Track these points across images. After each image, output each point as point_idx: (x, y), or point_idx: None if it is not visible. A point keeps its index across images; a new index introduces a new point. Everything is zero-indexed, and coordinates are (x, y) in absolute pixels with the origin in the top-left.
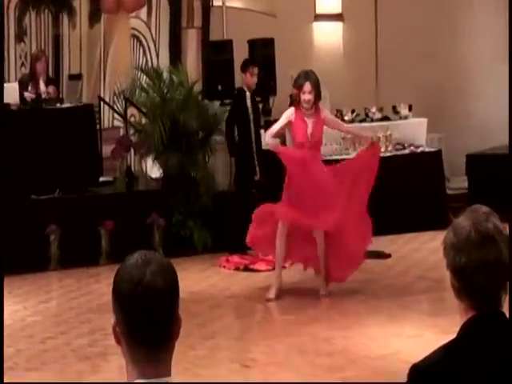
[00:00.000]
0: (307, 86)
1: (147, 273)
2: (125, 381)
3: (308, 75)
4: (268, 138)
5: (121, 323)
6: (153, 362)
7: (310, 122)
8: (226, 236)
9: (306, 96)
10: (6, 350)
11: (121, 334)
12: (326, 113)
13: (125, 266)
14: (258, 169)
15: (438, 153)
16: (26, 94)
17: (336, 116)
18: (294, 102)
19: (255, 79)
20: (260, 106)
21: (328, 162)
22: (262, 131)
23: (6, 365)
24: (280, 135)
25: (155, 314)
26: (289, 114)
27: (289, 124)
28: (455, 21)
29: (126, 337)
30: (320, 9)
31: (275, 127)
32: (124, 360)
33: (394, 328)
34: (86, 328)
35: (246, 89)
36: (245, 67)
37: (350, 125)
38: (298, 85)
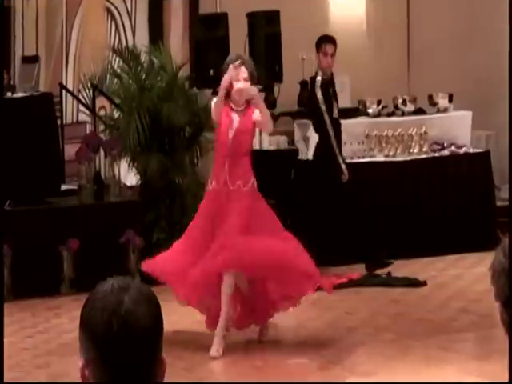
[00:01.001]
0: (243, 72)
1: (125, 300)
2: None
3: (243, 58)
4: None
5: (92, 364)
6: None
7: (235, 120)
8: None
9: (241, 84)
10: None
11: (92, 377)
12: (258, 115)
13: (96, 294)
14: (344, 166)
15: (486, 154)
16: None
17: (358, 108)
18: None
19: (329, 60)
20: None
21: (351, 167)
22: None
23: None
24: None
25: (136, 351)
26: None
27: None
28: None
29: (99, 378)
30: None
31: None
32: None
33: (431, 374)
34: (44, 374)
35: (319, 73)
36: (317, 44)
37: (375, 119)
38: (229, 67)
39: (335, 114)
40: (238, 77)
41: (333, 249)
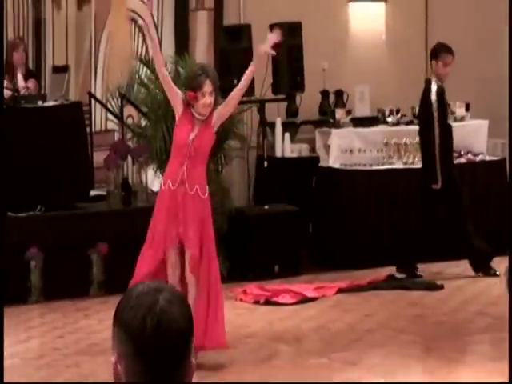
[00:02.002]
0: (208, 86)
1: (160, 300)
2: None
3: (207, 71)
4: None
5: (125, 359)
6: None
7: (196, 126)
8: (245, 263)
9: (207, 99)
10: None
11: (124, 373)
12: (216, 115)
13: (132, 293)
14: (439, 174)
15: (502, 162)
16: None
17: (377, 117)
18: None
19: (448, 70)
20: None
21: (370, 174)
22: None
23: None
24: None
25: (169, 348)
26: (180, 106)
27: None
28: None
29: (131, 373)
30: None
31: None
32: None
33: (448, 374)
34: (73, 373)
35: (434, 80)
36: (438, 53)
37: (393, 128)
38: (195, 85)
39: (450, 120)
40: (202, 91)
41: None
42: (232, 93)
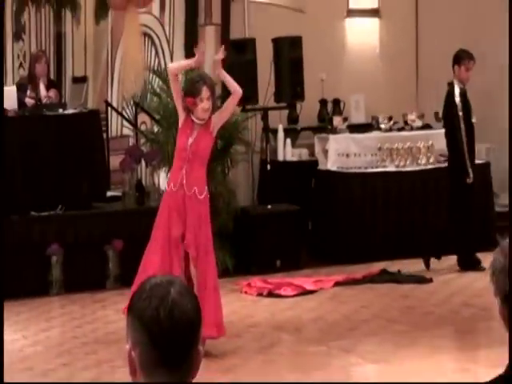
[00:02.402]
0: (205, 92)
1: (172, 292)
2: None
3: (204, 78)
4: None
5: (139, 347)
6: None
7: (195, 133)
8: (249, 258)
9: (204, 104)
10: None
11: (138, 359)
12: (215, 119)
13: (146, 285)
14: (470, 170)
15: (486, 165)
16: (26, 99)
17: (372, 124)
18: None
19: (469, 74)
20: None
21: (365, 176)
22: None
23: None
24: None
25: (180, 336)
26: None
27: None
28: (503, 15)
29: (145, 360)
30: (353, 3)
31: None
32: None
33: (436, 361)
34: (91, 360)
35: (456, 83)
36: (460, 59)
37: (386, 133)
38: (193, 91)
39: (473, 119)
40: (200, 96)
41: (351, 247)
42: (228, 99)
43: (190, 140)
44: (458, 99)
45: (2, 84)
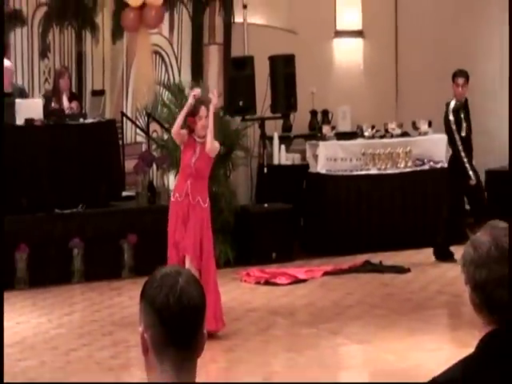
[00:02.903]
0: (203, 111)
1: (180, 280)
2: None
3: (203, 100)
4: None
5: (150, 329)
6: (179, 371)
7: (197, 150)
8: (248, 250)
9: (203, 122)
10: (30, 363)
11: (150, 339)
12: (209, 143)
13: (157, 275)
14: (471, 174)
15: None
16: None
17: (355, 133)
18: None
19: (460, 89)
20: (281, 121)
21: (350, 178)
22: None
23: (27, 377)
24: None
25: (187, 318)
26: (183, 134)
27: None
28: (475, 37)
29: (156, 340)
30: (340, 25)
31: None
32: (146, 373)
33: (414, 342)
34: (108, 340)
35: (453, 99)
36: (453, 77)
37: (369, 140)
38: (193, 111)
39: (463, 132)
40: (199, 115)
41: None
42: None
43: (194, 159)
44: (451, 115)
45: (2, 84)
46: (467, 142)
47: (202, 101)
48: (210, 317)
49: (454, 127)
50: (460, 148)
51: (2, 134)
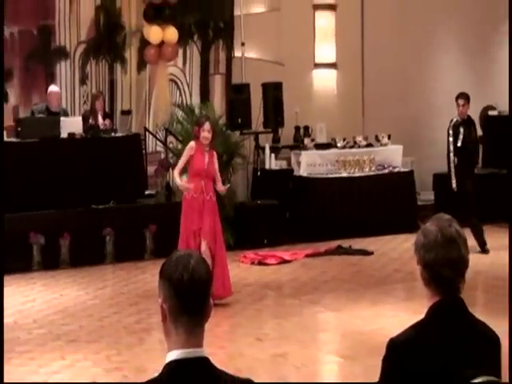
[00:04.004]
0: (207, 125)
1: (191, 261)
2: (165, 351)
3: (209, 117)
4: (177, 177)
5: (168, 300)
6: (191, 334)
7: (206, 157)
8: (245, 237)
9: (206, 134)
10: (71, 327)
11: (167, 309)
12: (215, 157)
13: (173, 256)
14: (454, 182)
15: (411, 172)
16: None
17: (330, 144)
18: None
19: (461, 109)
20: (271, 135)
21: (326, 180)
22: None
23: (69, 338)
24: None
25: (198, 291)
26: (189, 149)
27: (190, 156)
28: (425, 68)
29: (172, 309)
30: (318, 59)
31: (180, 165)
32: (164, 336)
33: (377, 310)
34: (134, 309)
35: (456, 117)
36: (456, 99)
37: (341, 150)
38: (199, 123)
39: (459, 143)
40: (203, 127)
41: (319, 229)
42: (218, 176)
43: (205, 163)
44: (450, 129)
45: (2, 84)
46: (463, 152)
47: (207, 117)
48: (219, 285)
49: (450, 139)
50: (451, 157)
51: (2, 134)
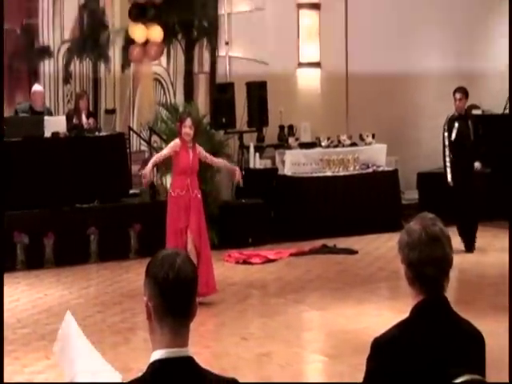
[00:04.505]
0: (188, 121)
1: (178, 260)
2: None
3: (190, 113)
4: (150, 163)
5: (154, 297)
6: (176, 334)
7: (190, 154)
8: (230, 236)
9: (187, 130)
10: (55, 327)
11: (152, 308)
12: (200, 149)
13: (159, 255)
14: (449, 176)
15: (395, 172)
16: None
17: (314, 143)
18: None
19: (458, 103)
20: (256, 134)
21: (310, 179)
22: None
23: (53, 337)
24: (163, 161)
25: (183, 291)
26: (174, 145)
27: (174, 153)
28: (410, 67)
29: (157, 309)
30: (302, 58)
31: (160, 155)
32: (149, 334)
33: (361, 309)
34: (118, 308)
35: (453, 112)
36: (453, 93)
37: (326, 149)
38: (181, 119)
39: (452, 138)
40: (184, 123)
41: (304, 227)
42: (212, 158)
43: (190, 161)
44: (445, 125)
45: (2, 84)
46: (458, 147)
47: (189, 113)
48: (203, 283)
49: (445, 134)
50: (446, 152)
51: (2, 135)
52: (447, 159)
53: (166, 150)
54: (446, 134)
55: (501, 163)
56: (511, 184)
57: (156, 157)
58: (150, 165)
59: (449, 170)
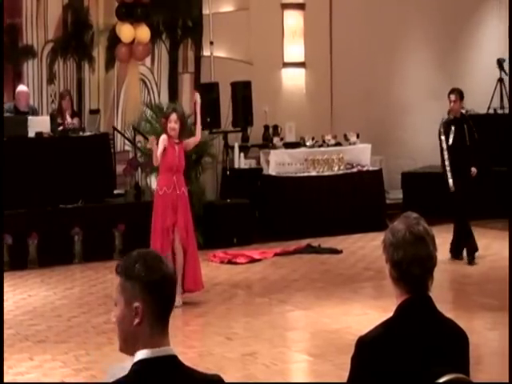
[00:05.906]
0: (173, 116)
1: (162, 261)
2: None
3: (175, 108)
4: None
5: (150, 301)
6: (165, 334)
7: (176, 150)
8: (214, 236)
9: (172, 124)
10: (39, 327)
11: (149, 313)
12: (185, 143)
13: (139, 260)
14: (450, 181)
15: (380, 171)
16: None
17: (299, 143)
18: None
19: (452, 105)
20: (241, 133)
21: (295, 179)
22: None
23: (37, 338)
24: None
25: (174, 291)
26: (163, 140)
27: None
28: (394, 67)
29: (154, 311)
30: (287, 58)
31: (159, 153)
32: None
33: (345, 308)
34: (102, 309)
35: (449, 114)
36: (448, 94)
37: (310, 149)
38: (166, 115)
39: (450, 141)
40: (169, 119)
41: (286, 228)
42: (191, 139)
43: (176, 157)
44: (441, 127)
45: (1, 83)
46: (455, 151)
47: (174, 108)
48: (190, 279)
49: (442, 137)
50: (445, 156)
51: (2, 136)
52: (446, 163)
53: (161, 145)
54: (443, 137)
55: None
56: (511, 184)
57: (159, 152)
58: (159, 149)
59: (449, 174)
